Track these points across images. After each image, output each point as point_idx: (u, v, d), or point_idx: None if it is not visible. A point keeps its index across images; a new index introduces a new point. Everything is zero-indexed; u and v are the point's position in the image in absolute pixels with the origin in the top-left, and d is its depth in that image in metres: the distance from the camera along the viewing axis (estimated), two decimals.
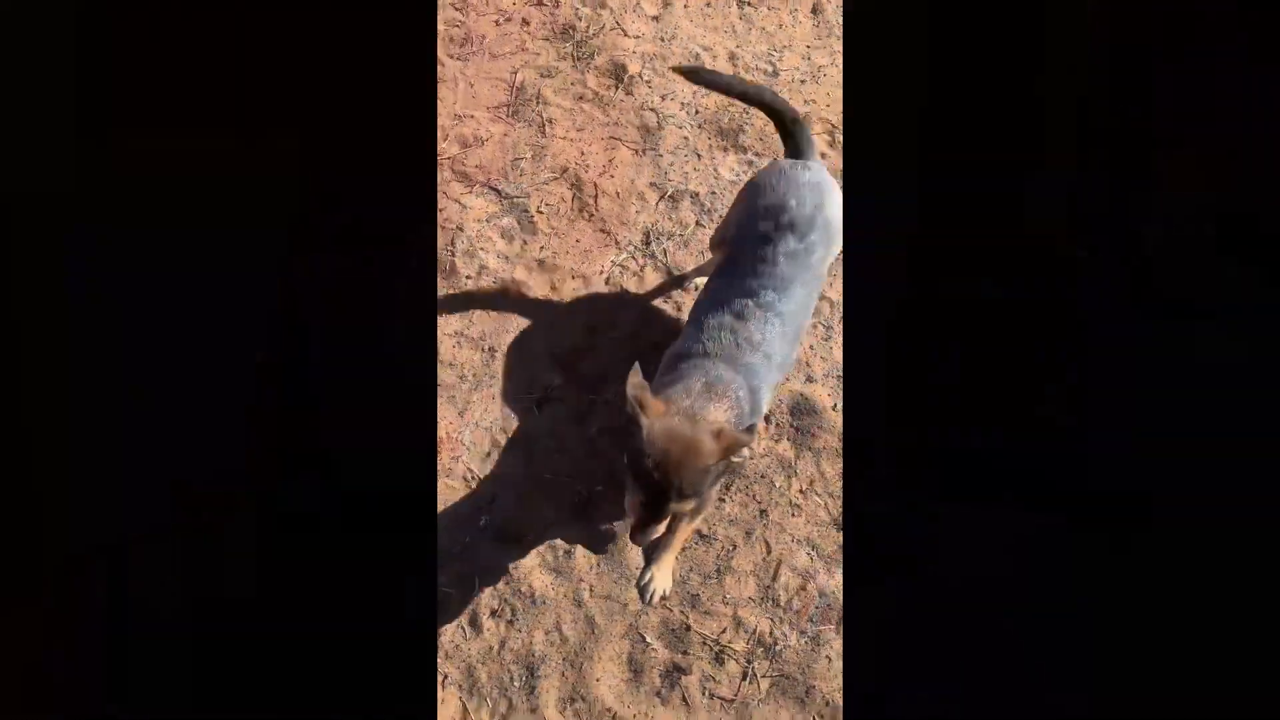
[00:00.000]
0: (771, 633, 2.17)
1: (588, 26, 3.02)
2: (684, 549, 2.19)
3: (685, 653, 2.13)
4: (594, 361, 2.48)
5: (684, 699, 2.10)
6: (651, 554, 2.14)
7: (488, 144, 2.78)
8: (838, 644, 2.16)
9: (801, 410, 2.42)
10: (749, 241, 2.01)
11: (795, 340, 2.05)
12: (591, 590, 2.20)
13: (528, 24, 3.02)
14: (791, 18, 3.10)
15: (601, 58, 2.96)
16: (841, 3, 3.10)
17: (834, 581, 2.22)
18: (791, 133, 2.17)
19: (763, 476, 2.34)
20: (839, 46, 3.02)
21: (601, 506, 2.29)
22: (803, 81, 2.95)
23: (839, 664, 2.14)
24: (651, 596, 2.11)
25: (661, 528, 1.89)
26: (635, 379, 1.76)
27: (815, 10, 3.11)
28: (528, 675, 2.09)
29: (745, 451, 1.79)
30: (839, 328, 2.52)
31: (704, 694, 2.11)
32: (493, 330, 2.50)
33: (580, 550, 2.25)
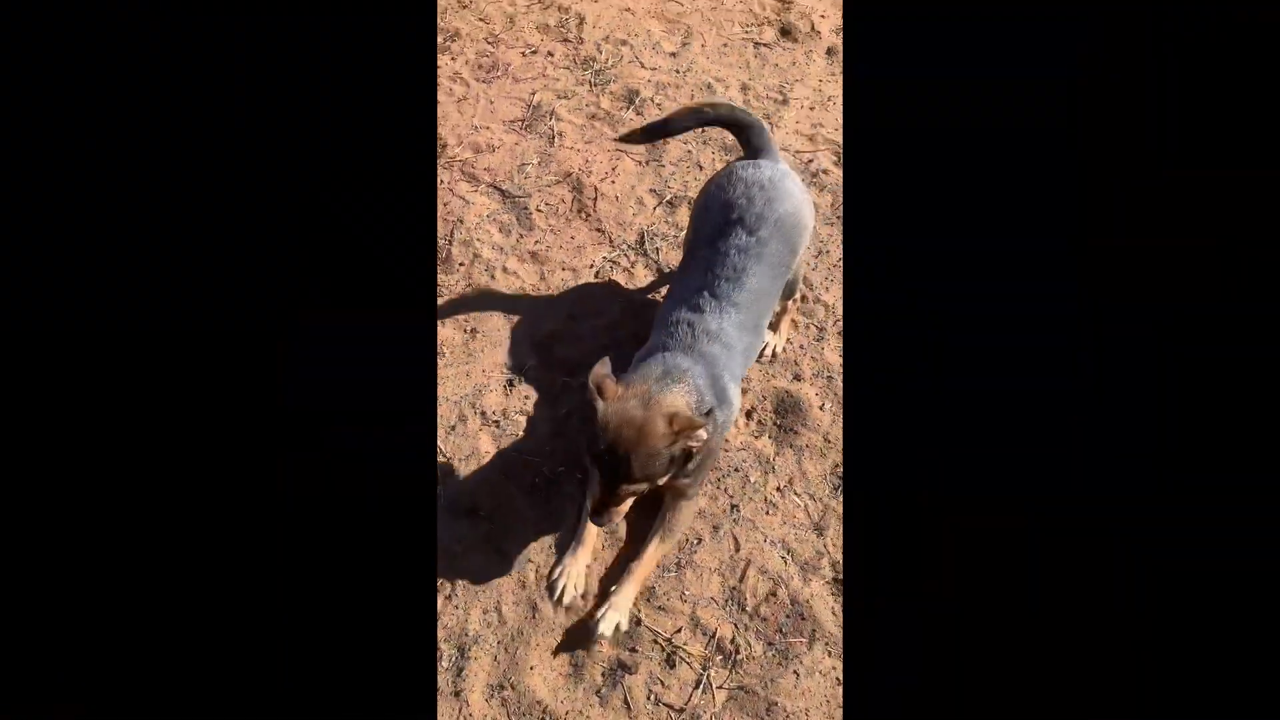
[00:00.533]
0: (734, 639, 1.93)
1: (607, 59, 3.22)
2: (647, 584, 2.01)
3: (633, 650, 1.91)
4: (572, 347, 2.43)
5: (625, 701, 1.86)
6: (611, 586, 1.97)
7: (499, 151, 2.91)
8: (809, 659, 1.89)
9: (786, 408, 2.27)
10: (702, 240, 2.05)
11: (756, 330, 2.04)
12: (538, 573, 2.03)
13: (552, 55, 3.25)
14: (805, 57, 3.21)
15: (617, 85, 3.13)
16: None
17: (809, 590, 1.98)
18: (747, 136, 2.18)
19: (736, 470, 2.17)
20: None
21: (563, 487, 2.16)
22: (811, 108, 3.01)
23: (808, 682, 1.87)
24: (600, 630, 1.88)
25: (621, 511, 1.83)
26: (600, 369, 1.82)
27: (830, 52, 3.23)
28: (457, 655, 1.90)
29: (701, 434, 1.75)
30: (833, 329, 2.41)
31: (649, 698, 1.86)
32: (477, 313, 2.51)
33: (533, 531, 2.10)
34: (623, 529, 2.08)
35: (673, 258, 2.59)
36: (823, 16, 3.35)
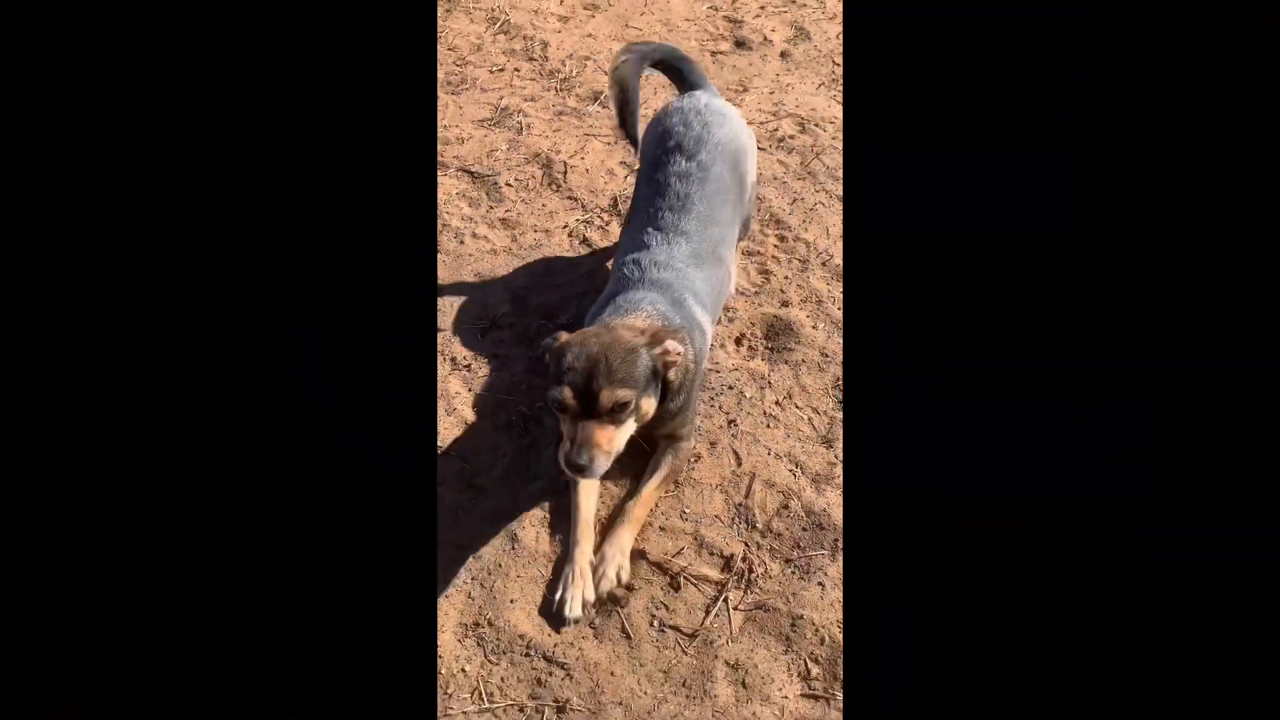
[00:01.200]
0: (745, 557, 1.68)
1: (572, 70, 3.35)
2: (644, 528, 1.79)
3: (628, 586, 1.65)
4: (547, 295, 2.31)
5: (624, 630, 1.57)
6: (603, 536, 1.70)
7: (467, 143, 2.94)
8: (834, 570, 1.64)
9: (777, 331, 2.14)
10: (643, 179, 2.01)
11: (716, 259, 1.91)
12: (516, 499, 1.79)
13: (519, 71, 3.37)
14: (761, 60, 3.37)
15: (583, 89, 3.23)
16: (810, 46, 3.39)
17: (824, 500, 1.76)
18: (681, 72, 2.21)
19: (730, 388, 2.00)
20: (808, 75, 3.23)
21: (543, 421, 1.96)
22: (771, 93, 3.11)
23: (836, 594, 1.61)
24: (599, 587, 1.60)
25: (603, 446, 1.51)
26: (547, 342, 1.66)
27: (784, 55, 3.40)
28: None
29: (674, 346, 1.59)
30: (816, 261, 2.33)
31: (652, 624, 1.58)
32: (449, 268, 2.40)
33: (509, 466, 1.88)
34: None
35: None
36: (773, 30, 3.56)
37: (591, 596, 1.60)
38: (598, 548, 1.68)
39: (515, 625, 1.59)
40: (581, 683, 1.50)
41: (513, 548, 1.72)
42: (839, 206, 2.52)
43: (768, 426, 1.92)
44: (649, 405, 1.61)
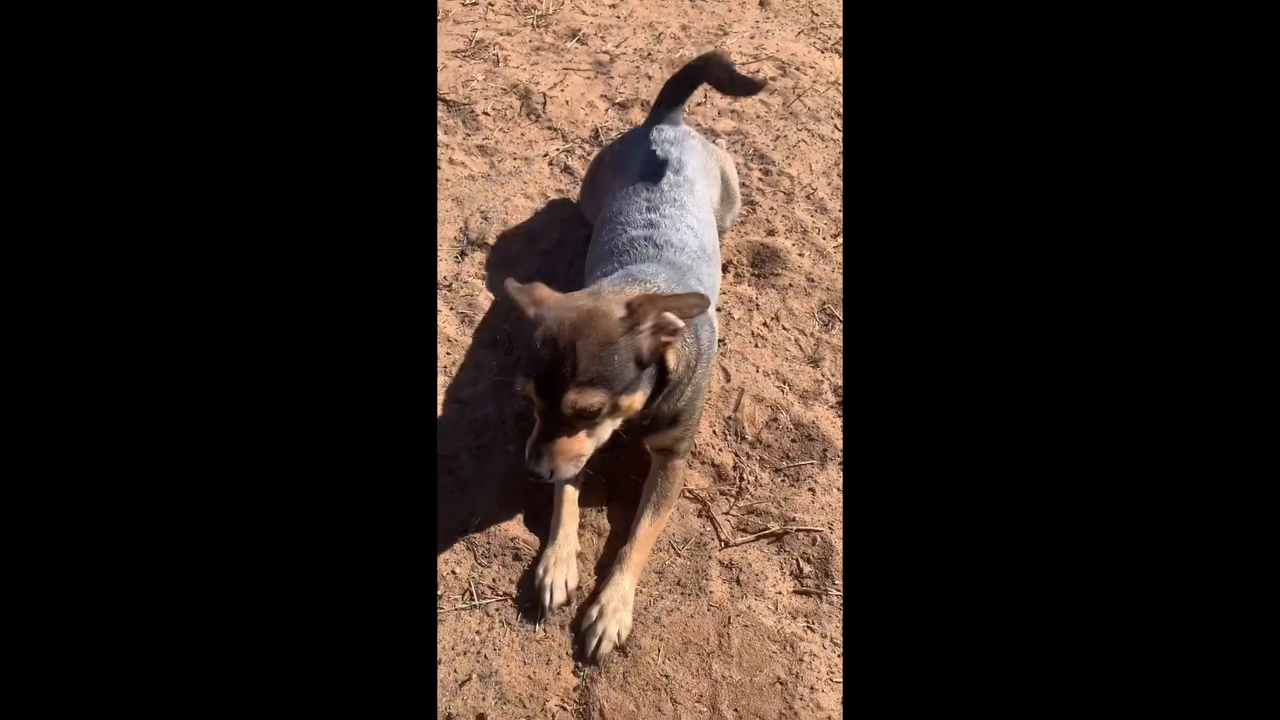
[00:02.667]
0: (736, 466, 1.71)
1: (548, 7, 3.30)
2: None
3: (613, 483, 1.65)
4: (528, 219, 2.28)
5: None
6: (601, 580, 1.49)
7: (442, 72, 2.87)
8: (824, 477, 1.68)
9: (764, 258, 2.17)
10: (629, 178, 1.90)
11: (713, 257, 1.83)
12: (502, 411, 1.78)
13: (493, 5, 3.31)
14: (740, 7, 3.38)
15: (560, 25, 3.19)
16: None
17: (813, 414, 1.80)
18: (674, 98, 2.11)
19: (719, 310, 2.02)
20: (786, 23, 3.25)
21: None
22: (751, 38, 3.13)
23: (826, 498, 1.65)
24: (597, 648, 1.39)
25: (569, 453, 1.34)
26: (512, 283, 1.45)
27: (762, 4, 3.42)
28: None
29: (673, 319, 1.34)
30: (800, 194, 2.36)
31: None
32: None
33: (494, 381, 1.86)
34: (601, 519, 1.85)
35: None
36: None
37: (575, 581, 1.47)
38: (581, 531, 1.55)
39: (506, 530, 1.58)
40: None
41: (496, 457, 1.70)
42: (820, 145, 2.56)
43: (755, 346, 1.94)
44: (634, 400, 1.38)
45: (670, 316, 1.34)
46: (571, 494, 1.57)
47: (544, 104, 2.72)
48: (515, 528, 1.59)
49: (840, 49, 3.03)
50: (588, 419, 1.33)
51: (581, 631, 1.42)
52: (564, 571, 1.47)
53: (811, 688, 1.37)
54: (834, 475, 1.68)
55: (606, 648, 1.40)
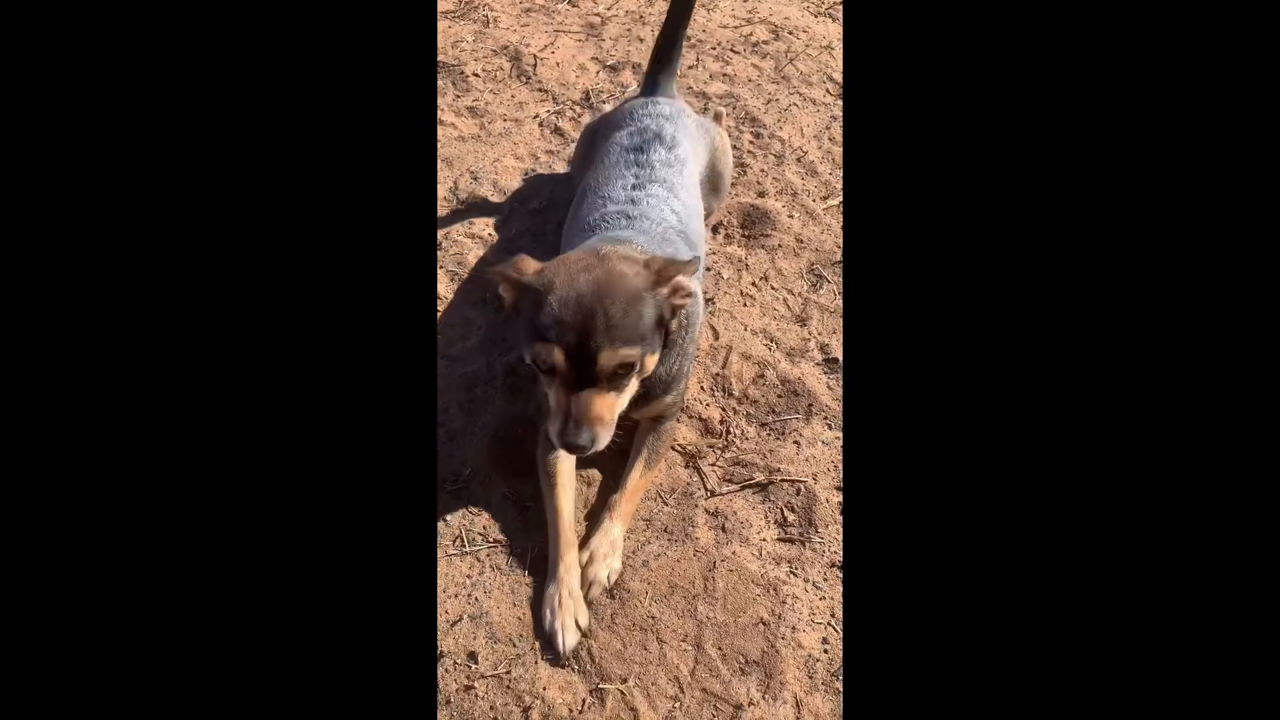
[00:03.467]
0: (723, 420, 1.75)
1: None
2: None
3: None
4: (518, 180, 2.30)
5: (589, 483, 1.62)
6: (591, 526, 1.54)
7: None
8: (809, 431, 1.73)
9: (754, 220, 2.20)
10: (618, 150, 1.84)
11: (697, 240, 1.77)
12: (491, 366, 1.81)
13: None
14: None
15: None
16: None
17: (798, 371, 1.84)
18: (661, 65, 2.06)
19: (709, 269, 2.05)
20: None
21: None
22: (745, 0, 3.13)
23: (811, 450, 1.69)
24: (587, 592, 1.44)
25: (600, 417, 1.29)
26: (493, 268, 1.40)
27: None
28: None
29: (686, 283, 1.36)
30: (791, 156, 2.39)
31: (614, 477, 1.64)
32: None
33: (483, 337, 1.89)
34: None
35: None
36: None
37: (585, 620, 1.42)
38: (583, 543, 1.51)
39: (495, 480, 1.62)
40: None
41: (485, 411, 1.74)
42: (812, 108, 2.58)
43: (744, 305, 1.98)
44: (652, 362, 1.39)
45: (683, 281, 1.36)
46: (568, 514, 1.52)
47: (534, 66, 2.72)
48: (504, 478, 1.63)
49: (834, 14, 3.03)
50: (619, 379, 1.30)
51: (585, 584, 1.45)
52: (572, 611, 1.42)
53: (793, 628, 1.43)
54: (819, 429, 1.73)
55: (596, 591, 1.45)
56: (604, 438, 1.30)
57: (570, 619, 1.40)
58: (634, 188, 1.74)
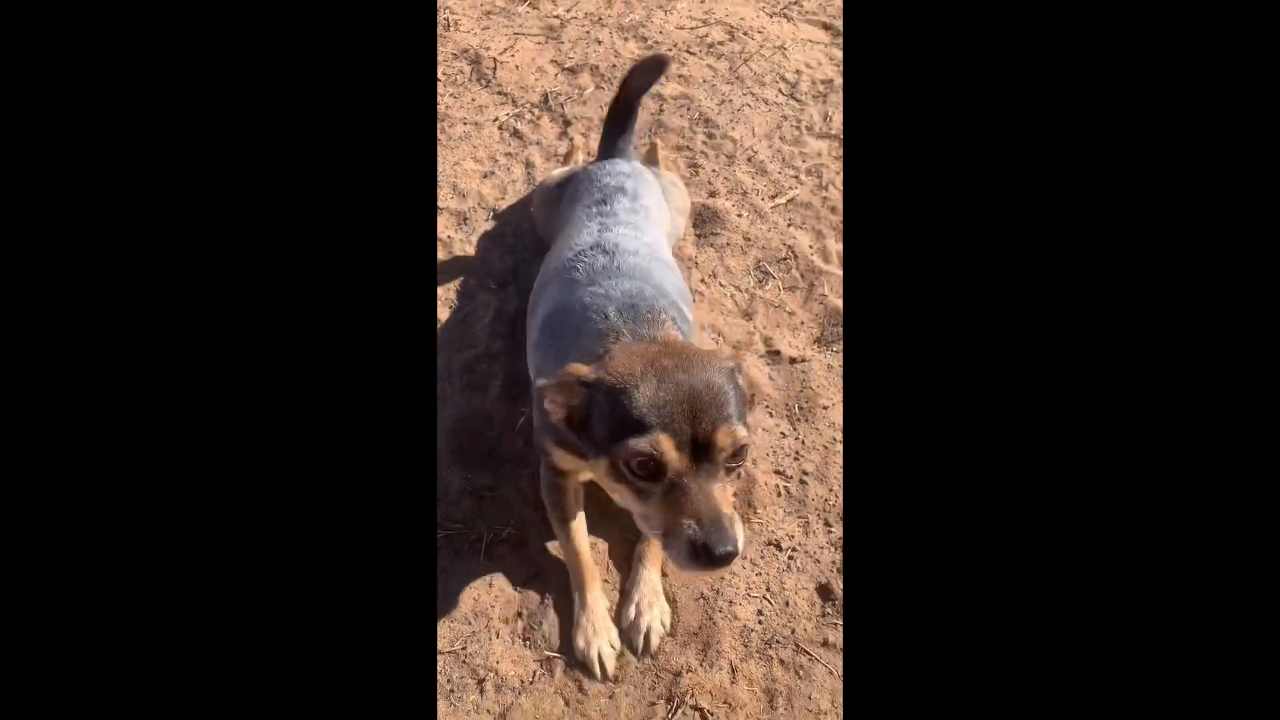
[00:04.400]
0: None
1: None
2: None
3: None
4: (481, 183, 2.41)
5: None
6: (628, 582, 1.57)
7: None
8: (750, 418, 1.86)
9: (705, 219, 2.33)
10: (583, 206, 1.87)
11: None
12: (449, 362, 1.93)
13: None
14: None
15: None
16: None
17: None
18: (620, 131, 2.08)
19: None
20: None
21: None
22: (701, 1, 3.25)
23: (754, 436, 1.83)
24: (648, 643, 1.49)
25: (730, 504, 1.19)
26: (541, 382, 1.28)
27: None
28: None
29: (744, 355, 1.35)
30: (742, 157, 2.52)
31: None
32: None
33: (440, 339, 2.01)
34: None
35: (578, 111, 2.67)
36: None
37: (619, 644, 1.49)
38: (625, 595, 1.56)
39: (453, 471, 1.74)
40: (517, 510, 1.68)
41: (445, 406, 1.86)
42: (764, 108, 2.70)
43: (694, 301, 2.11)
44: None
45: (749, 361, 1.34)
46: (586, 552, 1.56)
47: (494, 69, 2.82)
48: (462, 468, 1.75)
49: (789, 14, 3.16)
50: (735, 464, 1.19)
51: (625, 630, 1.52)
52: (605, 638, 1.48)
53: (730, 601, 1.56)
54: (759, 416, 1.86)
55: (655, 641, 1.50)
56: (740, 526, 1.14)
57: (606, 644, 1.47)
58: (600, 231, 1.75)
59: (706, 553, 1.08)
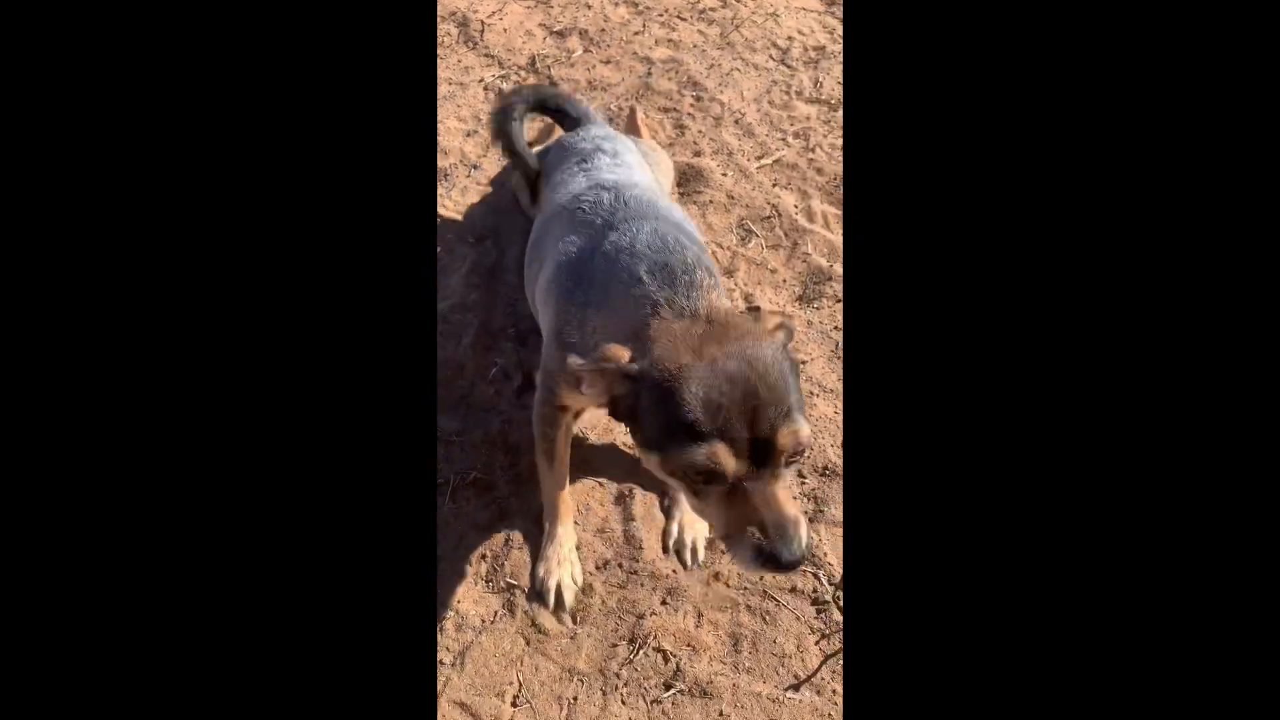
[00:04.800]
0: None
1: None
2: None
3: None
4: (468, 143, 2.40)
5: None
6: (669, 509, 1.60)
7: None
8: None
9: (689, 177, 2.31)
10: (569, 167, 1.80)
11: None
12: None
13: None
14: None
15: None
16: None
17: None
18: (563, 112, 2.07)
19: None
20: None
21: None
22: None
23: None
24: (698, 560, 1.53)
25: (795, 505, 1.09)
26: (576, 362, 1.14)
27: None
28: None
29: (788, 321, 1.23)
30: (729, 119, 2.49)
31: None
32: None
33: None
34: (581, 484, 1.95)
35: (565, 74, 2.65)
36: None
37: (580, 578, 1.50)
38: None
39: None
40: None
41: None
42: (754, 73, 2.68)
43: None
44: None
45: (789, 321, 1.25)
46: (565, 481, 1.55)
47: (482, 32, 2.81)
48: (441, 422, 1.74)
49: None
50: (795, 462, 1.08)
51: (674, 546, 1.55)
52: (568, 572, 1.49)
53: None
54: None
55: (703, 553, 1.53)
56: (807, 536, 1.06)
57: (568, 577, 1.48)
58: (594, 176, 1.69)
59: (774, 560, 1.02)
